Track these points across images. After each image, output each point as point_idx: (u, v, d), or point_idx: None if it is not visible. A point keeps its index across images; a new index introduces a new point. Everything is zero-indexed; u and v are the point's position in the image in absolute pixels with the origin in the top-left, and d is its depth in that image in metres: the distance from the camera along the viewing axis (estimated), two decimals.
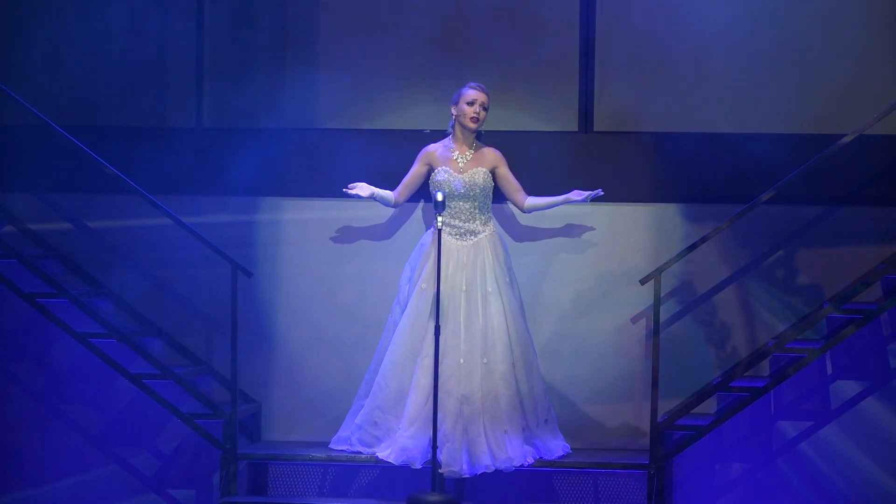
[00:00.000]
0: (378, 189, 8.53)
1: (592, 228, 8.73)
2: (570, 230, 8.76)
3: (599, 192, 8.41)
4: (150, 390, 8.39)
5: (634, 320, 8.74)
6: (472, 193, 8.40)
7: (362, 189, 8.51)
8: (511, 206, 8.71)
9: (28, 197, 8.96)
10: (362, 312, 8.83)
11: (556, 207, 8.53)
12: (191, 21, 8.99)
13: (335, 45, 8.94)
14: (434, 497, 7.89)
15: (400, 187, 8.55)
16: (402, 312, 8.41)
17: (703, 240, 8.27)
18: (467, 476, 8.14)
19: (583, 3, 8.84)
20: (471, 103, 8.40)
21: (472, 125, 8.41)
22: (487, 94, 8.43)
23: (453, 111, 8.45)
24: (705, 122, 8.77)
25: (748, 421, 8.61)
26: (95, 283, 8.89)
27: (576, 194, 8.44)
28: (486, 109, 8.43)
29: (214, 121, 9.00)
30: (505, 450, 8.18)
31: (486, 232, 8.44)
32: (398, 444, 8.19)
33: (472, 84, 8.43)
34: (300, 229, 8.88)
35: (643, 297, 8.58)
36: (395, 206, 8.61)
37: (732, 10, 8.74)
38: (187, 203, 8.84)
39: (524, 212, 8.56)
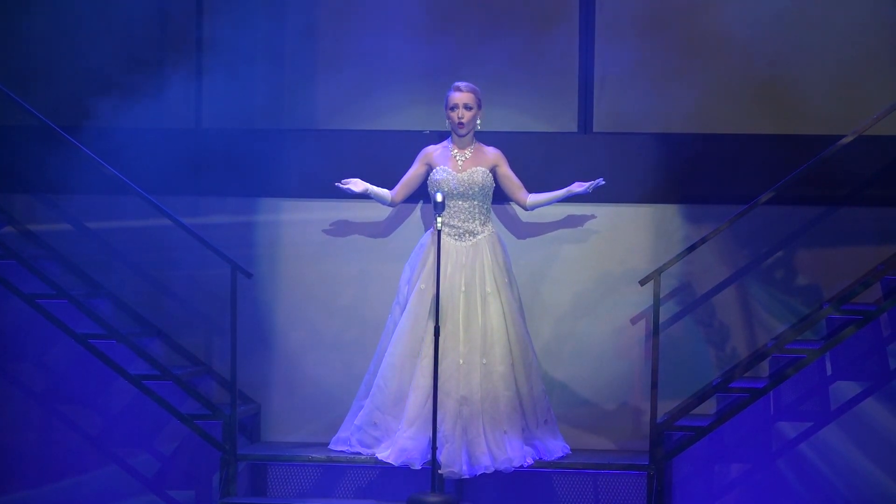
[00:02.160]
0: (373, 186, 8.51)
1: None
2: (569, 231, 8.76)
3: (601, 181, 8.38)
4: (150, 391, 8.39)
5: (634, 321, 8.74)
6: (470, 192, 8.38)
7: (356, 184, 8.49)
8: (513, 206, 8.70)
9: (27, 198, 8.96)
10: (362, 313, 8.83)
11: (558, 202, 8.51)
12: (190, 21, 8.99)
13: (335, 46, 8.94)
14: (434, 498, 7.89)
15: (398, 186, 8.54)
16: (402, 313, 8.40)
17: (703, 240, 8.27)
18: (467, 477, 8.14)
19: (583, 2, 8.83)
20: (453, 108, 8.36)
21: (460, 130, 8.38)
22: (473, 92, 8.37)
23: (446, 118, 8.44)
24: (705, 122, 8.76)
25: (748, 422, 8.61)
26: (95, 284, 8.89)
27: (577, 186, 8.42)
28: (470, 108, 8.36)
29: (213, 121, 8.99)
30: (504, 450, 8.18)
31: (485, 232, 8.43)
32: (398, 445, 8.19)
33: (456, 84, 8.39)
34: (300, 230, 8.88)
35: (643, 297, 8.58)
36: (391, 204, 8.59)
37: (732, 10, 8.73)
38: (187, 204, 8.83)
39: (526, 209, 8.54)
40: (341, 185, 8.47)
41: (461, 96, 8.36)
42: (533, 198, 8.49)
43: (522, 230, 8.77)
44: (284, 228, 8.91)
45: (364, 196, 8.52)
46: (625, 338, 8.72)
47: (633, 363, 8.72)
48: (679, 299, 8.73)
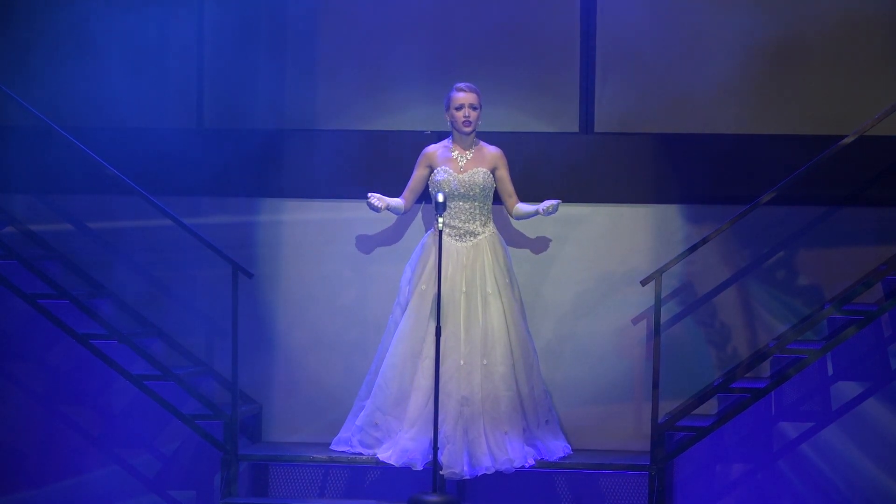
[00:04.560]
0: (390, 200, 8.45)
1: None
2: (570, 231, 8.76)
3: (557, 202, 8.34)
4: (151, 391, 8.39)
5: (635, 321, 8.74)
6: (471, 194, 8.38)
7: (379, 200, 8.35)
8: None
9: (29, 198, 8.96)
10: (363, 313, 8.83)
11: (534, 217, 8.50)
12: (192, 21, 8.99)
13: (335, 46, 8.94)
14: (435, 498, 7.90)
15: (406, 193, 8.51)
16: (403, 314, 8.40)
17: (704, 241, 8.27)
18: (468, 477, 8.14)
19: (583, 3, 8.83)
20: (459, 108, 8.36)
21: (466, 129, 8.38)
22: (476, 92, 8.39)
23: (447, 117, 8.43)
24: (705, 122, 8.77)
25: (749, 422, 8.62)
26: (96, 285, 8.89)
27: (542, 207, 8.36)
28: (476, 108, 8.38)
29: (215, 121, 8.99)
30: (505, 451, 8.18)
31: (486, 233, 8.43)
32: (399, 446, 8.19)
33: (459, 85, 8.40)
34: (301, 230, 8.88)
35: (644, 298, 8.58)
36: (404, 212, 8.57)
37: (733, 10, 8.73)
38: (188, 204, 8.84)
39: (512, 217, 8.56)
40: (369, 200, 8.35)
41: (467, 96, 8.36)
42: (518, 208, 8.47)
43: (523, 230, 8.77)
44: (285, 228, 8.90)
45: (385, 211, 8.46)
46: (626, 338, 8.73)
47: (634, 363, 8.73)
48: (680, 299, 8.74)
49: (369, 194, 8.39)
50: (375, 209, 8.36)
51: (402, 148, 8.75)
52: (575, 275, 8.77)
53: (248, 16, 8.98)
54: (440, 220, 8.03)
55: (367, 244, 8.86)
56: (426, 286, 8.33)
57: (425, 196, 8.59)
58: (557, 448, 8.38)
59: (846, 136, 8.20)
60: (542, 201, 8.59)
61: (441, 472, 8.09)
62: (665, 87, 8.79)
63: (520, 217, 8.52)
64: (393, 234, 8.85)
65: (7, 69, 8.98)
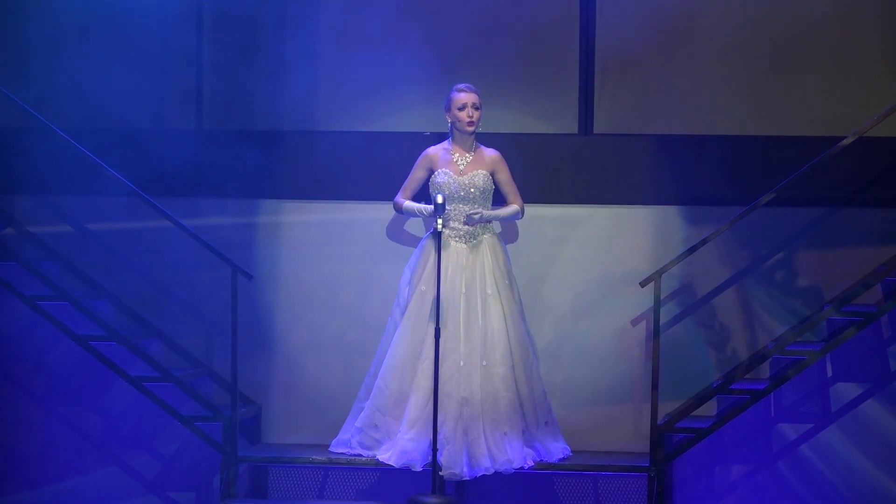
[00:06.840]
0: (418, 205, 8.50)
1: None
2: (570, 232, 8.76)
3: (477, 212, 8.33)
4: (150, 393, 8.39)
5: (634, 323, 8.74)
6: (471, 196, 8.38)
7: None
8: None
9: (28, 199, 8.96)
10: (362, 315, 8.83)
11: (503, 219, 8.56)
12: (191, 22, 8.99)
13: (335, 47, 8.94)
14: (434, 499, 7.90)
15: (404, 192, 8.51)
16: (402, 315, 8.40)
17: (704, 242, 8.27)
18: (467, 478, 8.14)
19: (583, 3, 8.83)
20: (462, 108, 8.37)
21: (470, 129, 8.39)
22: (477, 92, 8.40)
23: (448, 118, 8.43)
24: (705, 123, 8.77)
25: (748, 423, 8.62)
26: (95, 286, 8.89)
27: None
28: (478, 108, 8.40)
29: (214, 123, 8.99)
30: (504, 452, 8.18)
31: (486, 234, 8.43)
32: (398, 447, 8.19)
33: (459, 86, 8.40)
34: (300, 232, 8.88)
35: (643, 299, 8.58)
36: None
37: (733, 10, 8.73)
38: (187, 205, 8.83)
39: None
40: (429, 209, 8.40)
41: (468, 96, 8.36)
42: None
43: (523, 231, 8.77)
44: (285, 230, 8.91)
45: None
46: (625, 339, 8.73)
47: (633, 365, 8.73)
48: (679, 301, 8.74)
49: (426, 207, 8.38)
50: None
51: (401, 149, 8.75)
52: (574, 276, 8.77)
53: (247, 16, 8.97)
54: (439, 221, 8.04)
55: (366, 245, 8.86)
56: (426, 287, 8.33)
57: (425, 196, 8.59)
58: (557, 449, 8.38)
59: (845, 136, 8.19)
60: (542, 203, 8.65)
61: (440, 473, 8.09)
62: (664, 88, 8.79)
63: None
64: (392, 235, 8.85)
65: (6, 70, 8.98)
